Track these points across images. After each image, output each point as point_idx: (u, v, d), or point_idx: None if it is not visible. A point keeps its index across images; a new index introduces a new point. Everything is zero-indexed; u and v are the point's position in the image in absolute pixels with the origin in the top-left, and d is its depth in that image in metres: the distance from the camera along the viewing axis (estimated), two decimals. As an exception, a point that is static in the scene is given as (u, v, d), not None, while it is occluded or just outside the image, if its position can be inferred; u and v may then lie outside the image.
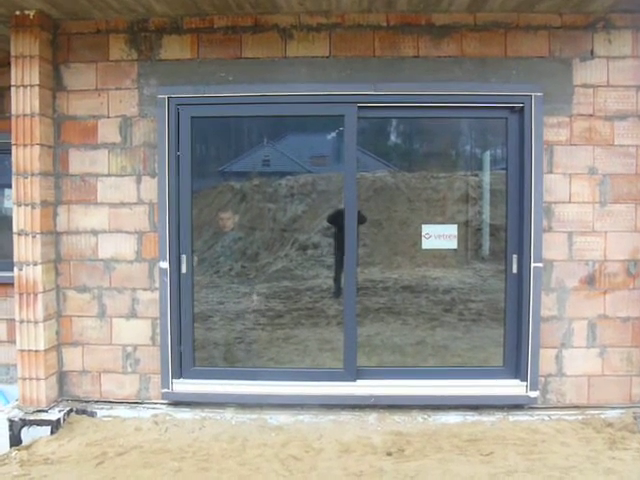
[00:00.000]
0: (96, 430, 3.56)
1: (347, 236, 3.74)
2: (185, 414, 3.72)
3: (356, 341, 3.83)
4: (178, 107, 3.73)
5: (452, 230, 3.90)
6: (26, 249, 3.64)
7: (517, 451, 3.24)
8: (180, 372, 3.84)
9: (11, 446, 3.48)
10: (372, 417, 3.66)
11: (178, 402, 3.80)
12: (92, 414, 3.74)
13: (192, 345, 3.89)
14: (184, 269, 3.83)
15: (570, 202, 3.70)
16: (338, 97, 3.66)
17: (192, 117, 3.75)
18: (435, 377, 3.80)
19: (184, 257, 3.82)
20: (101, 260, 3.83)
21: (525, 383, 3.70)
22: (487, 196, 3.94)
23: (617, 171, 3.69)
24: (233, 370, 4.07)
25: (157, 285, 3.78)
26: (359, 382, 3.79)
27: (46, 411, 3.64)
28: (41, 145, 3.63)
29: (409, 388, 3.73)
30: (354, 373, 3.80)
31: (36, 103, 3.59)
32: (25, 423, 3.56)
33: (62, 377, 3.86)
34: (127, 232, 3.81)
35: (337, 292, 4.10)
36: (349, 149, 3.73)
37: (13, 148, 3.62)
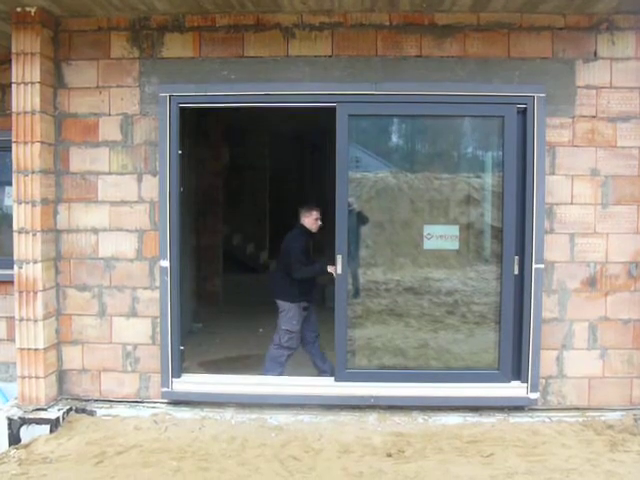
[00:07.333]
0: (95, 429, 3.55)
1: (505, 241, 3.69)
2: (185, 413, 3.71)
3: (511, 342, 3.73)
4: (180, 105, 3.71)
5: (453, 231, 3.88)
6: (26, 247, 3.62)
7: (517, 453, 3.23)
8: (179, 372, 3.83)
9: (10, 445, 3.46)
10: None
11: (178, 401, 3.79)
12: (92, 413, 3.73)
13: (345, 347, 3.77)
14: (339, 269, 3.72)
15: (572, 204, 3.70)
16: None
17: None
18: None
19: (339, 257, 3.71)
20: (101, 258, 3.81)
21: (526, 384, 3.70)
22: (490, 197, 3.93)
23: (619, 173, 3.68)
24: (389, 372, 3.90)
25: (157, 284, 3.76)
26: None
27: (45, 410, 3.63)
28: (42, 142, 3.61)
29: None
30: (509, 374, 3.75)
31: (37, 100, 3.57)
32: (24, 421, 3.54)
33: (62, 375, 3.84)
34: (128, 230, 3.79)
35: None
36: (509, 152, 3.65)
37: (13, 145, 3.61)
